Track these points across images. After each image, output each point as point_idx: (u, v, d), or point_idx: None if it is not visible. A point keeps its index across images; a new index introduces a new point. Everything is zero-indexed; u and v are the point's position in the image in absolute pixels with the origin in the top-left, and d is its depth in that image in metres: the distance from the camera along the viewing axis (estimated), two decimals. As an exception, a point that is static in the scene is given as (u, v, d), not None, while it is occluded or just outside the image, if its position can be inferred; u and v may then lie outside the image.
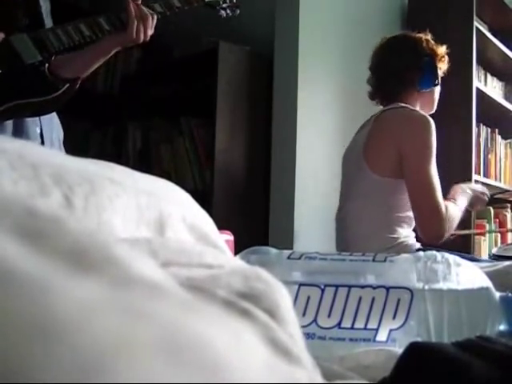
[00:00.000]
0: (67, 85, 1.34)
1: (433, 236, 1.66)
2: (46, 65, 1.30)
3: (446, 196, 1.73)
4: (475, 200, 1.84)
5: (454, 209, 1.69)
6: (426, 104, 1.78)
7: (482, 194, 1.88)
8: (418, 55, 1.75)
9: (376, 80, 1.83)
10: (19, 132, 1.32)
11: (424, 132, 1.65)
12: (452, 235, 1.79)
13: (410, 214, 1.69)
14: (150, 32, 1.38)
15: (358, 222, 1.73)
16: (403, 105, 1.73)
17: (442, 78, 1.83)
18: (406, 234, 1.72)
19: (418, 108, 1.75)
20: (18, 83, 1.30)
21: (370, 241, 1.67)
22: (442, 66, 1.79)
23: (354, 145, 1.81)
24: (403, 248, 1.66)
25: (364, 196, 1.72)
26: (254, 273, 0.29)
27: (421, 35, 1.80)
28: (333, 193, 1.89)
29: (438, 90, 1.82)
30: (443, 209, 1.63)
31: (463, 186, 1.84)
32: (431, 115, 1.78)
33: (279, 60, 2.43)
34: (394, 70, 1.77)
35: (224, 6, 1.52)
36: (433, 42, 1.79)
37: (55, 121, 1.50)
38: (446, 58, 1.80)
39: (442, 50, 1.79)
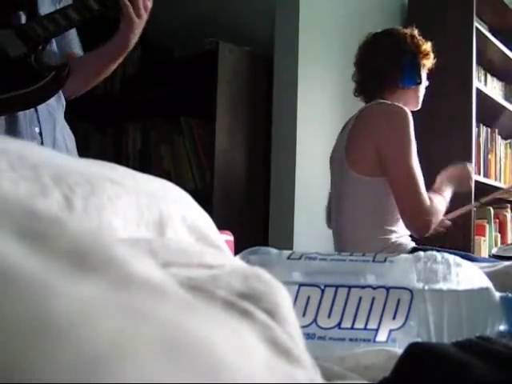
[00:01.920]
0: (53, 72, 1.31)
1: (418, 228, 1.66)
2: (33, 56, 1.28)
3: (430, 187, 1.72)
4: (460, 183, 1.82)
5: (439, 199, 1.68)
6: (410, 101, 1.76)
7: (465, 173, 1.85)
8: (400, 53, 1.73)
9: (359, 77, 1.83)
10: (12, 132, 1.31)
11: (400, 123, 1.64)
12: (450, 220, 1.79)
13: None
14: (150, 3, 1.34)
15: (347, 224, 1.72)
16: (381, 100, 1.71)
17: (431, 74, 1.81)
18: (398, 233, 1.71)
19: (401, 105, 1.74)
20: (5, 78, 1.29)
21: (362, 243, 1.66)
22: (427, 63, 1.77)
23: (338, 145, 1.81)
24: (396, 248, 1.65)
25: (348, 197, 1.71)
26: (254, 273, 0.29)
27: (406, 31, 1.79)
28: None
29: (422, 87, 1.80)
30: (427, 201, 1.62)
31: (445, 173, 1.82)
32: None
33: (279, 60, 2.43)
34: (376, 68, 1.76)
35: None
36: (418, 37, 1.77)
37: (60, 122, 1.49)
38: (431, 54, 1.78)
39: (426, 46, 1.77)
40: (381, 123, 1.66)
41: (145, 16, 1.34)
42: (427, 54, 1.77)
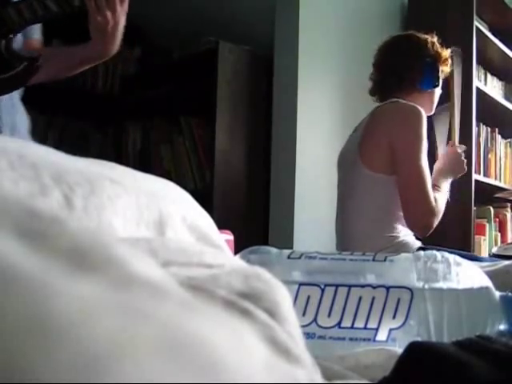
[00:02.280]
0: (25, 63, 1.25)
1: (421, 228, 1.67)
2: (3, 41, 1.22)
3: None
4: (453, 169, 1.84)
5: (441, 198, 1.70)
6: (425, 104, 1.78)
7: (455, 157, 1.86)
8: (421, 56, 1.77)
9: (377, 76, 1.85)
10: None
11: (414, 121, 1.66)
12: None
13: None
14: (119, 11, 1.27)
15: (356, 221, 1.73)
16: (395, 99, 1.74)
17: (443, 80, 1.84)
18: (405, 232, 1.72)
19: (416, 105, 1.75)
20: None
21: (369, 240, 1.67)
22: (445, 69, 1.81)
23: (351, 144, 1.82)
24: (403, 246, 1.66)
25: (360, 194, 1.72)
26: (254, 272, 0.29)
27: (427, 36, 1.82)
28: (333, 192, 1.89)
29: (437, 92, 1.83)
30: (433, 201, 1.64)
31: (437, 164, 1.83)
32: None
33: (279, 60, 2.43)
34: (396, 68, 1.79)
35: None
36: (438, 44, 1.81)
37: (19, 108, 1.42)
38: (450, 61, 1.81)
39: (446, 53, 1.80)
40: (395, 120, 1.69)
41: (109, 22, 1.27)
42: (446, 61, 1.80)
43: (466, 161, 1.87)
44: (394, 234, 1.69)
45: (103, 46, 1.32)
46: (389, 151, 1.67)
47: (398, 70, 1.78)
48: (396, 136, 1.66)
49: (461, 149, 1.87)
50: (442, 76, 1.80)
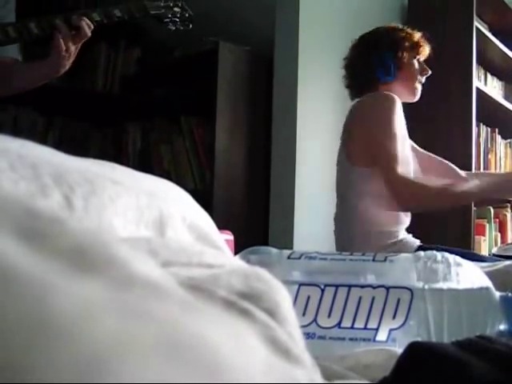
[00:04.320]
0: None
1: (400, 205, 1.64)
2: None
3: None
4: (506, 191, 1.79)
5: (443, 182, 1.68)
6: (399, 94, 1.76)
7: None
8: (369, 51, 1.78)
9: (346, 81, 1.87)
10: None
11: (381, 107, 1.67)
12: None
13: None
14: (79, 42, 1.39)
15: (351, 220, 1.73)
16: (373, 93, 1.75)
17: (430, 63, 1.82)
18: (402, 230, 1.71)
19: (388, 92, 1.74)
20: None
21: (366, 239, 1.67)
22: (421, 51, 1.79)
23: (340, 144, 1.83)
24: (403, 245, 1.65)
25: (349, 191, 1.73)
26: (254, 272, 0.29)
27: (382, 27, 1.84)
28: (333, 192, 1.90)
29: (409, 76, 1.79)
30: (403, 175, 1.60)
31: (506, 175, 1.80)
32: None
33: (279, 60, 2.43)
34: (353, 69, 1.83)
35: (174, 19, 1.48)
36: (401, 33, 1.80)
37: None
38: (422, 44, 1.79)
39: (413, 38, 1.79)
40: (365, 109, 1.71)
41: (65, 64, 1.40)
42: (416, 46, 1.79)
43: None
44: (391, 229, 1.68)
45: (58, 65, 1.41)
46: (364, 142, 1.67)
47: (354, 70, 1.82)
48: (367, 125, 1.68)
49: None
50: (401, 62, 1.77)
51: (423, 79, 1.82)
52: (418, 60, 1.80)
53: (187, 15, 1.48)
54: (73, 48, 1.37)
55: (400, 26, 1.85)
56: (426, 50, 1.81)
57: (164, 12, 1.45)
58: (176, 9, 1.46)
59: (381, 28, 1.86)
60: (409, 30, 1.81)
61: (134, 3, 1.42)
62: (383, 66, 1.76)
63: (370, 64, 1.77)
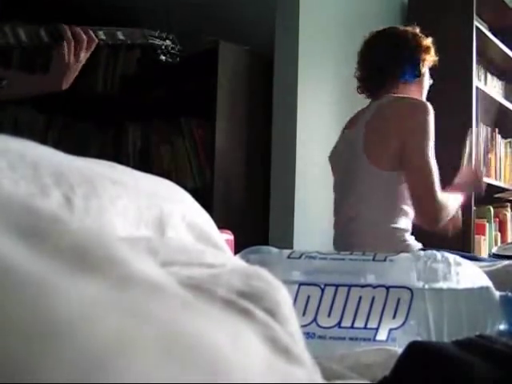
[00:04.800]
0: None
1: (429, 221, 1.67)
2: None
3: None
4: (471, 187, 1.89)
5: (451, 199, 1.71)
6: (413, 95, 1.79)
7: (476, 177, 1.90)
8: (398, 48, 1.79)
9: (361, 74, 1.88)
10: None
11: (422, 118, 1.68)
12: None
13: (407, 204, 1.71)
14: (83, 55, 1.39)
15: (361, 219, 1.73)
16: (397, 95, 1.75)
17: (434, 69, 1.85)
18: (408, 232, 1.72)
19: (422, 99, 1.77)
20: None
21: (374, 238, 1.67)
22: (428, 58, 1.82)
23: (349, 142, 1.81)
24: (406, 247, 1.66)
25: (367, 191, 1.72)
26: (255, 272, 0.29)
27: (407, 28, 1.85)
28: (333, 192, 1.90)
29: (425, 81, 1.84)
30: (439, 194, 1.65)
31: (457, 179, 1.87)
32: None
33: (279, 60, 2.43)
34: (376, 64, 1.82)
35: (165, 50, 1.53)
36: (419, 34, 1.82)
37: None
38: (432, 49, 1.82)
39: (427, 41, 1.82)
40: (403, 116, 1.70)
41: (71, 63, 1.39)
42: (428, 49, 1.81)
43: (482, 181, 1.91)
44: (397, 228, 1.69)
45: (61, 80, 1.42)
46: (397, 148, 1.67)
47: (379, 65, 1.81)
48: (405, 132, 1.67)
49: (480, 169, 1.91)
50: (424, 65, 1.81)
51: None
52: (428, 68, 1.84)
53: (177, 49, 1.53)
54: (73, 60, 1.37)
55: (416, 29, 1.86)
56: (435, 59, 1.84)
57: (158, 43, 1.50)
58: (168, 41, 1.52)
59: (394, 28, 1.88)
60: (421, 34, 1.83)
61: (136, 30, 1.49)
62: (412, 65, 1.78)
63: (398, 62, 1.78)
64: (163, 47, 1.53)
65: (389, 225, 1.69)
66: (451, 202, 1.71)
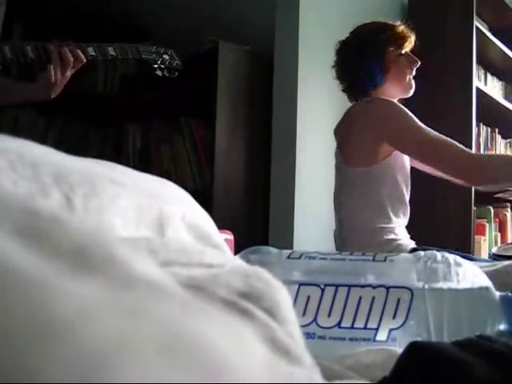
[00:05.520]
0: None
1: (470, 176, 1.62)
2: None
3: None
4: None
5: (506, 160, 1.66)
6: (393, 93, 1.75)
7: None
8: (363, 59, 1.74)
9: (341, 86, 1.86)
10: None
11: (395, 116, 1.65)
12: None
13: (393, 202, 1.68)
14: (69, 73, 1.40)
15: (347, 220, 1.73)
16: (367, 98, 1.73)
17: (415, 55, 1.78)
18: (396, 231, 1.71)
19: (386, 97, 1.72)
20: None
21: (364, 239, 1.66)
22: (399, 46, 1.75)
23: (336, 148, 1.83)
24: (396, 247, 1.65)
25: (348, 194, 1.73)
26: (254, 272, 0.29)
27: (371, 26, 1.80)
28: (333, 193, 1.90)
29: (399, 70, 1.76)
30: (467, 151, 1.60)
31: None
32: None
33: (279, 60, 2.43)
34: (347, 79, 1.82)
35: (161, 65, 1.52)
36: (385, 25, 1.78)
37: None
38: (406, 36, 1.75)
39: (399, 30, 1.76)
40: (377, 120, 1.67)
41: (56, 79, 1.40)
42: (396, 38, 1.75)
43: None
44: (384, 227, 1.68)
45: (47, 92, 1.44)
46: (370, 143, 1.66)
47: (348, 79, 1.80)
48: (386, 133, 1.65)
49: None
50: (393, 59, 1.73)
51: (414, 71, 1.78)
52: (405, 54, 1.76)
53: (175, 64, 1.52)
54: (60, 77, 1.38)
55: (381, 23, 1.80)
56: (411, 41, 1.76)
57: (154, 58, 1.48)
58: (165, 56, 1.50)
59: (362, 31, 1.81)
60: (390, 25, 1.76)
61: (128, 45, 1.48)
62: (369, 76, 1.74)
63: (356, 75, 1.76)
64: (159, 62, 1.52)
65: (374, 225, 1.67)
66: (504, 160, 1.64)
